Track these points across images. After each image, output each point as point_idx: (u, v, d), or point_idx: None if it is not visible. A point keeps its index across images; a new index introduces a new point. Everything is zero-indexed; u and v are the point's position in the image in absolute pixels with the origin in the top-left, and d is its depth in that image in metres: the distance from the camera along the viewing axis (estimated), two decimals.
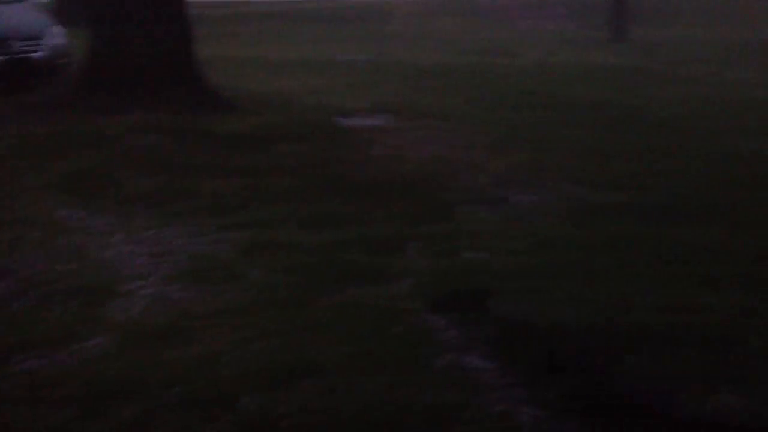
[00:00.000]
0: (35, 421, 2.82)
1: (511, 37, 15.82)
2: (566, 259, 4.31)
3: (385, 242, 4.61)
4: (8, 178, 5.82)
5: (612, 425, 2.86)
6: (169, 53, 8.07)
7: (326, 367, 3.21)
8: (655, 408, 2.89)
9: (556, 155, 6.59)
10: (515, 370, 3.24)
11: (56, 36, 9.11)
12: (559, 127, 7.76)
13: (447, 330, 3.59)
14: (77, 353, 3.33)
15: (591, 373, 3.10)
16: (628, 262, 4.25)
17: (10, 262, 4.25)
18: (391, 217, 5.04)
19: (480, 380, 3.18)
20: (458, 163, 6.39)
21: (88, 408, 2.91)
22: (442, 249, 4.51)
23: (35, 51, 8.78)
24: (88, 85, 8.02)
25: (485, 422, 2.89)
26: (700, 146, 7.07)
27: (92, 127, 7.20)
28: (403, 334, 3.51)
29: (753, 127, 7.96)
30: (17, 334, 3.47)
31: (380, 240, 4.64)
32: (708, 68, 12.11)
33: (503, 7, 20.73)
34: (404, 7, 19.35)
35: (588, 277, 4.06)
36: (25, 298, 3.87)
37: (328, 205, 5.27)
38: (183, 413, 2.89)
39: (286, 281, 4.07)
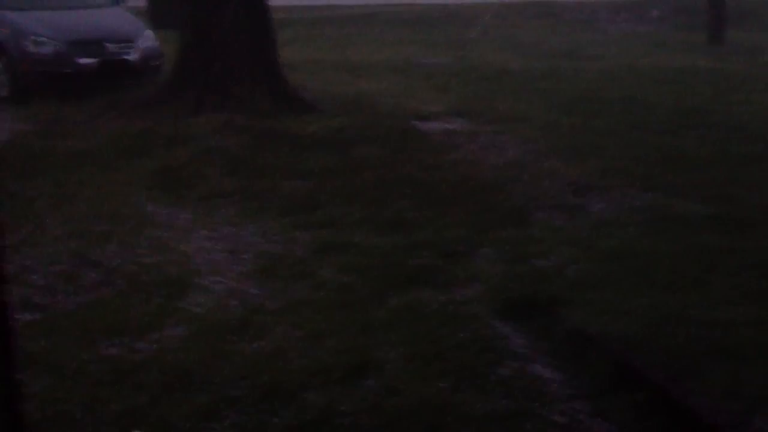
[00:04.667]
0: (114, 403, 2.98)
1: (598, 41, 15.42)
2: (640, 271, 4.20)
3: (457, 247, 4.62)
4: (99, 174, 6.11)
5: None
6: (254, 57, 8.31)
7: (389, 369, 3.25)
8: (725, 427, 2.80)
9: (637, 162, 6.40)
10: (581, 381, 3.20)
11: (148, 39, 9.51)
12: (641, 133, 7.53)
13: (513, 338, 3.58)
14: (156, 342, 3.50)
15: (659, 388, 3.03)
16: (704, 276, 4.11)
17: (100, 254, 4.48)
18: (464, 222, 5.04)
19: (544, 390, 3.16)
20: (535, 168, 6.31)
21: (162, 395, 3.06)
22: (513, 255, 4.48)
23: (128, 53, 9.20)
24: (177, 87, 8.34)
25: None
26: None
27: (179, 126, 7.49)
28: (467, 339, 3.51)
29: None
30: (104, 321, 3.67)
31: (451, 244, 4.65)
32: None
33: (591, 11, 20.23)
34: (488, 11, 19.17)
35: (662, 290, 3.96)
36: (111, 288, 4.08)
37: (402, 208, 5.30)
38: (250, 406, 2.99)
39: (356, 282, 4.14)
